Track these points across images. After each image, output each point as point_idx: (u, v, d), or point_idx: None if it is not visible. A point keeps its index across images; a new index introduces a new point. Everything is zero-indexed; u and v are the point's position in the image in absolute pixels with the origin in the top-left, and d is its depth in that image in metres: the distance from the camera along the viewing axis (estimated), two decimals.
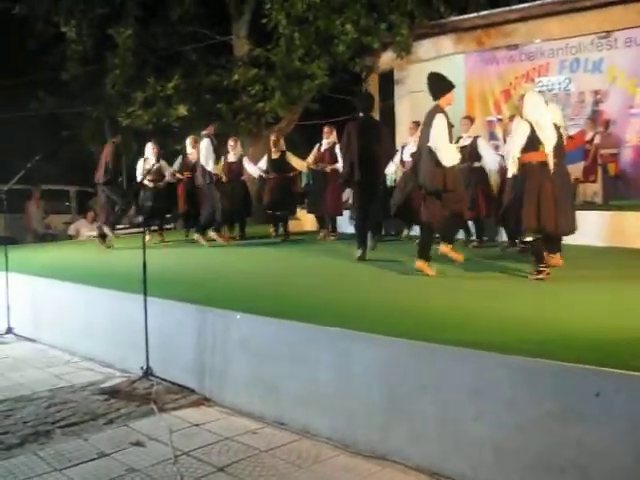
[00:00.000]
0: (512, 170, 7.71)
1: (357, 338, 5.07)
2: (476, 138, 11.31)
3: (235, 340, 6.00)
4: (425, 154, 8.11)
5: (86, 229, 17.52)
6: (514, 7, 14.62)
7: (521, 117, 7.77)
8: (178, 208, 13.55)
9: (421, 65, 16.19)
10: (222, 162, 12.87)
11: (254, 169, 13.37)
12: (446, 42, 15.86)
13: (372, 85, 17.29)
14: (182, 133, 16.54)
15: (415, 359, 4.72)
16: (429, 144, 8.04)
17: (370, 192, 9.99)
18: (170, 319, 6.75)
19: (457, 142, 10.69)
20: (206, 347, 6.24)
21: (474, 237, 11.62)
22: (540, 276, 7.57)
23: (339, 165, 12.01)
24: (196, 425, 5.49)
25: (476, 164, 11.17)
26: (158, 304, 6.67)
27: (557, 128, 8.17)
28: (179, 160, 13.39)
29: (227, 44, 18.51)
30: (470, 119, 11.67)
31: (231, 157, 13.45)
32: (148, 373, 6.43)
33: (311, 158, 13.10)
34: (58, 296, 8.49)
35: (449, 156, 8.03)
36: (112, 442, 5.14)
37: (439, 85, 8.41)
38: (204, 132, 12.47)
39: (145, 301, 6.41)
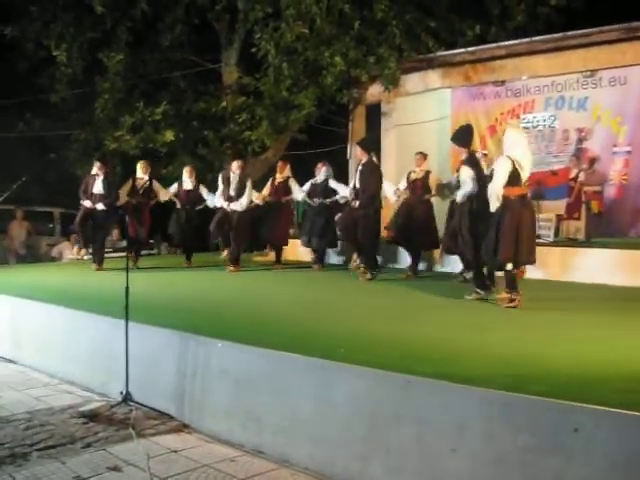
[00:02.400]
0: (494, 205, 7.98)
1: (337, 369, 5.08)
2: (428, 173, 12.01)
3: (216, 368, 6.00)
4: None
5: (69, 251, 17.45)
6: (501, 43, 14.74)
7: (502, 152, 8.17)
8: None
9: (408, 98, 16.32)
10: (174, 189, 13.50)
11: (211, 199, 13.27)
12: (433, 76, 15.96)
13: (359, 117, 17.37)
14: (168, 158, 16.58)
15: (394, 391, 4.73)
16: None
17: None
18: (151, 345, 6.74)
19: (408, 176, 11.98)
20: (186, 374, 6.23)
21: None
22: (512, 304, 7.99)
23: (294, 195, 13.33)
24: (174, 451, 5.46)
25: (425, 197, 11.90)
26: (139, 329, 6.66)
27: None
28: (129, 184, 13.20)
29: (216, 71, 18.57)
30: (423, 155, 12.20)
31: (187, 184, 13.50)
32: (127, 398, 6.40)
33: (265, 191, 13.42)
34: (39, 318, 8.46)
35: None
36: (89, 466, 5.11)
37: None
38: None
39: (126, 326, 6.40)
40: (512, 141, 8.07)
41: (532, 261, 8.30)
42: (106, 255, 13.88)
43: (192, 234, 13.42)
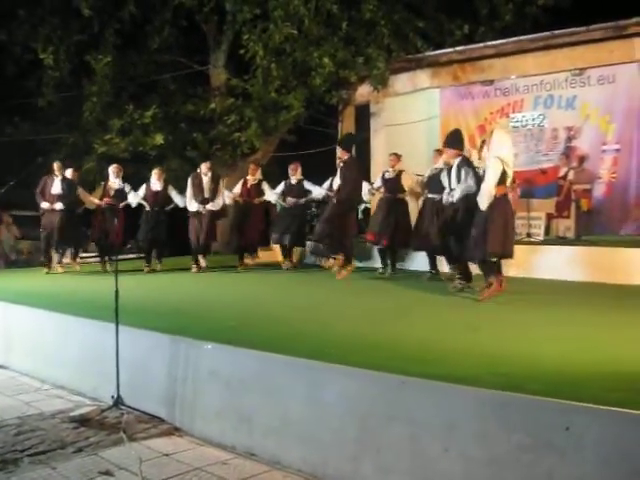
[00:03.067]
0: (485, 204, 8.33)
1: (327, 369, 5.07)
2: (400, 172, 12.22)
3: (206, 370, 5.98)
4: None
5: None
6: (490, 43, 14.77)
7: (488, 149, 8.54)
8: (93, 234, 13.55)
9: (397, 98, 16.33)
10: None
11: (180, 199, 13.28)
12: (422, 76, 15.97)
13: (348, 117, 17.38)
14: (157, 161, 16.53)
15: (384, 391, 4.73)
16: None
17: None
18: (141, 348, 6.72)
19: (383, 176, 12.37)
20: (177, 377, 6.21)
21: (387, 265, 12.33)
22: (493, 288, 8.49)
23: (267, 197, 13.44)
24: (166, 455, 5.44)
25: (399, 195, 12.18)
26: (129, 333, 6.63)
27: None
28: (101, 188, 13.34)
29: (204, 74, 18.55)
30: (397, 156, 12.37)
31: (156, 186, 13.37)
32: (118, 402, 6.37)
33: (237, 191, 13.60)
34: (29, 323, 8.42)
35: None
36: (81, 471, 5.08)
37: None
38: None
39: (117, 329, 6.37)
40: (498, 142, 8.45)
41: (512, 255, 8.71)
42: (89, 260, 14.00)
43: (161, 236, 13.35)
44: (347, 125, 17.28)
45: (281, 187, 13.45)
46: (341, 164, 11.56)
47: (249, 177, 13.63)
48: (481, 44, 15.01)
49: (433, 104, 16.44)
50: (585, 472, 3.80)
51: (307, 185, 13.26)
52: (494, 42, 14.72)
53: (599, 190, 13.95)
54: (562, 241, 12.61)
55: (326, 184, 12.98)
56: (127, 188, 13.26)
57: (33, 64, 17.12)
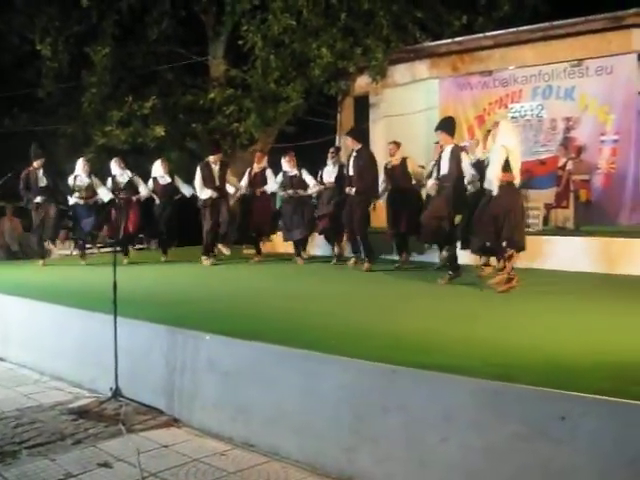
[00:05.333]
0: (495, 190, 8.49)
1: (323, 360, 5.09)
2: (405, 159, 12.01)
3: (204, 361, 6.00)
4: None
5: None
6: (488, 34, 14.75)
7: (494, 140, 8.83)
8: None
9: (396, 89, 16.32)
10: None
11: (187, 189, 13.32)
12: (421, 67, 15.97)
13: (347, 108, 17.36)
14: (156, 152, 16.52)
15: (381, 381, 4.75)
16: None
17: None
18: (140, 340, 6.74)
19: (385, 167, 12.11)
20: (175, 368, 6.23)
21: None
22: (512, 283, 8.54)
23: (268, 187, 13.08)
24: (164, 446, 5.47)
25: (407, 185, 11.93)
26: (128, 324, 6.65)
27: None
28: (110, 181, 13.26)
29: (203, 64, 18.52)
30: (396, 144, 12.19)
31: (163, 179, 13.45)
32: (117, 394, 6.40)
33: (244, 182, 13.35)
34: (27, 315, 8.44)
35: None
36: (79, 463, 5.11)
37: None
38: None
39: (115, 321, 6.39)
40: (504, 132, 8.70)
41: (524, 247, 8.85)
42: (97, 251, 13.99)
43: (174, 228, 13.41)
44: (346, 116, 17.27)
45: (280, 179, 13.15)
46: (354, 153, 11.48)
47: (254, 165, 13.40)
48: (480, 35, 14.99)
49: (432, 95, 16.42)
50: (580, 462, 3.83)
51: (305, 176, 12.96)
52: (493, 33, 14.71)
53: (598, 181, 13.93)
54: (561, 232, 12.60)
55: (319, 178, 12.88)
56: (136, 178, 13.25)
57: (31, 54, 17.06)
